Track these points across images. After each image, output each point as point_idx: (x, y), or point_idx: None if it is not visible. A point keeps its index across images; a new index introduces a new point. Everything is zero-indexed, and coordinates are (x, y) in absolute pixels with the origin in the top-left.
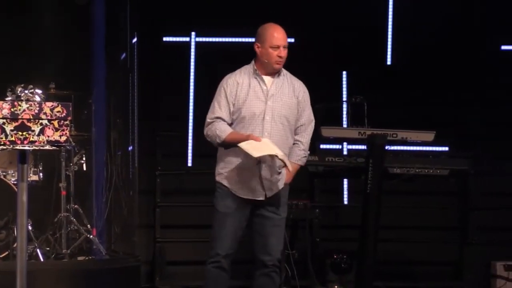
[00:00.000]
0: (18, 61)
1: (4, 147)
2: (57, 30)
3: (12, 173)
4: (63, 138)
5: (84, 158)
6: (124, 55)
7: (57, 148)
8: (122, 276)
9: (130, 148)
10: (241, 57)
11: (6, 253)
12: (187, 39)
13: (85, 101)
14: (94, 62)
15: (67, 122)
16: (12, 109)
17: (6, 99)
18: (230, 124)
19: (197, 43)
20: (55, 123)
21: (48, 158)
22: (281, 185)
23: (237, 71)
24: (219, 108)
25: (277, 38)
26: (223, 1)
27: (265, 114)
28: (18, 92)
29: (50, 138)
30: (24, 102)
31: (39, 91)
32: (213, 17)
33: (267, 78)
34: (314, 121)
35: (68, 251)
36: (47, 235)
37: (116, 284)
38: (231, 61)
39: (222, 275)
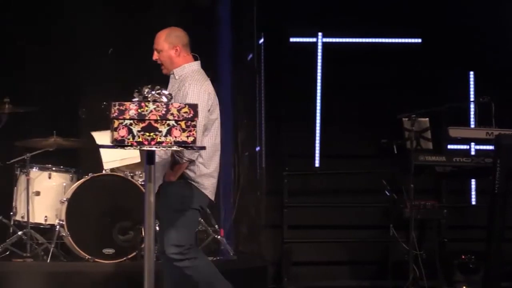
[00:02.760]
0: (144, 62)
1: (131, 148)
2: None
3: (140, 174)
4: (190, 139)
5: None
6: (251, 55)
7: (184, 149)
8: (250, 277)
9: (258, 148)
10: (367, 57)
11: (134, 253)
12: (314, 39)
13: None
14: (220, 62)
15: (194, 123)
16: (139, 110)
17: (133, 100)
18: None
19: (324, 43)
20: (182, 123)
21: None
22: (159, 182)
23: None
24: None
25: None
26: (350, 2)
27: None
28: (145, 93)
29: (177, 139)
30: (151, 103)
31: (166, 92)
32: (340, 18)
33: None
34: None
35: None
36: None
37: (244, 285)
38: (357, 61)
39: None
